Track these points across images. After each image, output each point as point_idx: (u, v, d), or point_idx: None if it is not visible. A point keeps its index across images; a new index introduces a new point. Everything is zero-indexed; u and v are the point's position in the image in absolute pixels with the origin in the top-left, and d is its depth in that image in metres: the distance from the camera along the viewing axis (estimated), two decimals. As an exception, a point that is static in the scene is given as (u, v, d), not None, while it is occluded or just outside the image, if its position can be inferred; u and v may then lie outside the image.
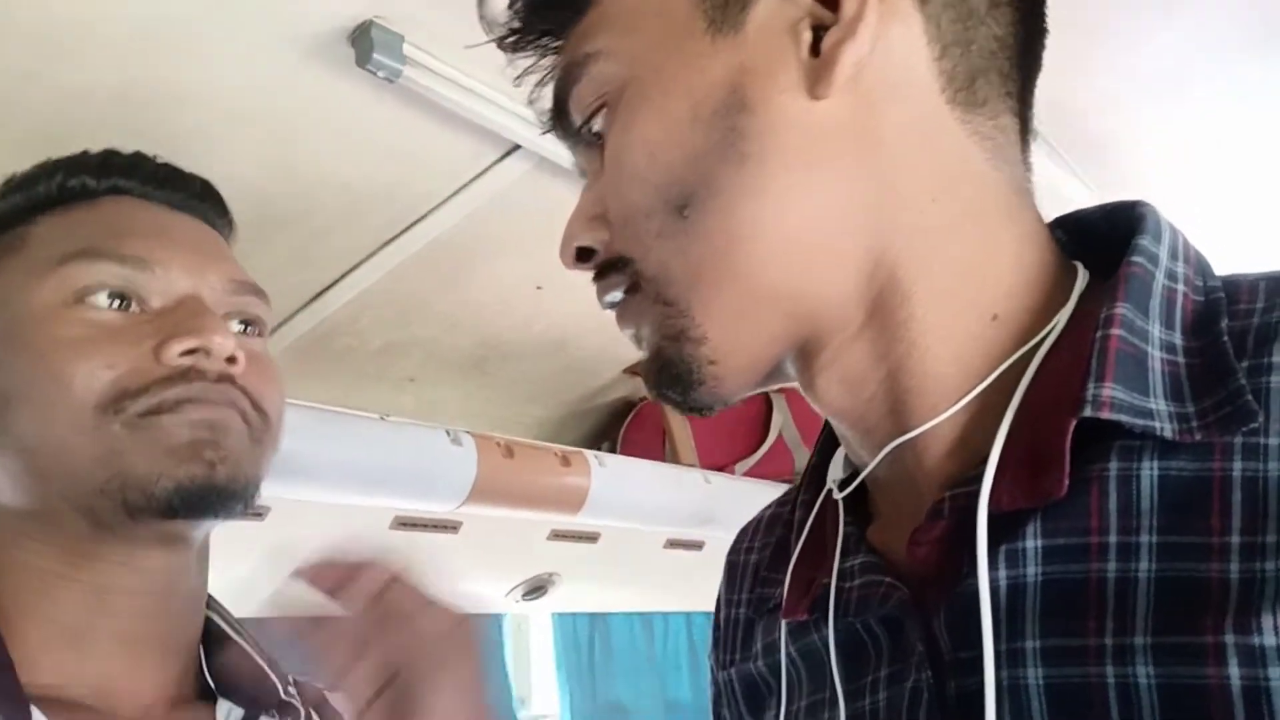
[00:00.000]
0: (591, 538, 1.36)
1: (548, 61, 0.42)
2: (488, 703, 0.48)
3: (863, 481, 0.41)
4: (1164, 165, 1.21)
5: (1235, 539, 0.30)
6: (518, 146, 1.01)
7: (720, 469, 1.56)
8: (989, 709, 0.32)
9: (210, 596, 0.57)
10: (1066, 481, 0.32)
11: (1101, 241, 0.39)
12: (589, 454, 1.24)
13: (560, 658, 1.69)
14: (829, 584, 0.40)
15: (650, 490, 1.33)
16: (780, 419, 1.62)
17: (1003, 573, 0.33)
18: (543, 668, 1.70)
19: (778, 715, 0.43)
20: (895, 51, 0.36)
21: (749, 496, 1.35)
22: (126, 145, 0.57)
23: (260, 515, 1.00)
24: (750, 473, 1.59)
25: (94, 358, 0.48)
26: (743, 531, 0.53)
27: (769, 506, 0.52)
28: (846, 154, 0.36)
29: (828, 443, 0.46)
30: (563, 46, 0.41)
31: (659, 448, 1.57)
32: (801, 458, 1.58)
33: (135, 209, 0.54)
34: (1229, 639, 0.29)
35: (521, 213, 1.08)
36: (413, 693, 0.46)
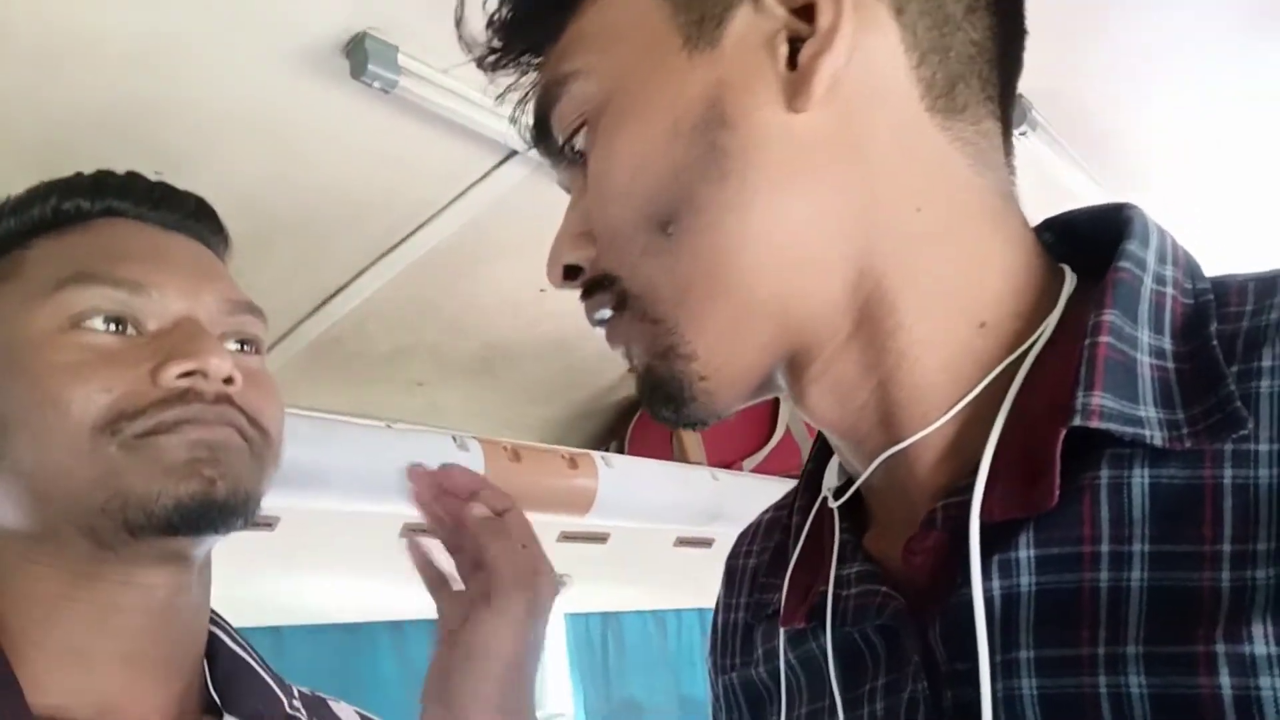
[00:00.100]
0: (601, 538, 1.36)
1: (529, 79, 0.42)
2: (530, 650, 0.58)
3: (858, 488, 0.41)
4: (1168, 157, 1.20)
5: (1226, 547, 0.30)
6: (515, 152, 1.01)
7: (728, 466, 1.56)
8: None
9: (213, 611, 0.58)
10: (1057, 491, 0.32)
11: (1090, 244, 0.39)
12: (596, 455, 1.24)
13: (573, 657, 1.69)
14: (826, 592, 0.40)
15: (658, 489, 1.33)
16: (787, 413, 1.62)
17: (996, 583, 0.33)
18: (556, 667, 1.70)
19: None
20: (873, 61, 0.36)
21: (757, 493, 1.35)
22: (126, 159, 0.57)
23: (270, 526, 1.01)
24: (758, 469, 1.59)
25: (91, 381, 0.48)
26: (742, 535, 0.53)
27: (767, 510, 0.52)
28: (828, 165, 0.36)
29: (824, 448, 0.46)
30: (542, 64, 0.41)
31: (666, 445, 1.57)
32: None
33: (130, 231, 0.55)
34: (1220, 648, 0.29)
35: (521, 217, 1.08)
36: (496, 610, 0.56)
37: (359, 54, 0.81)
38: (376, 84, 0.83)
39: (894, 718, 0.36)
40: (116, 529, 0.48)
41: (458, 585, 0.61)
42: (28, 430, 0.49)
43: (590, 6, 0.39)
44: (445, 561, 0.62)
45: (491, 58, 0.42)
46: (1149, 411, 0.33)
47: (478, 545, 0.58)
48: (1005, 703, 0.32)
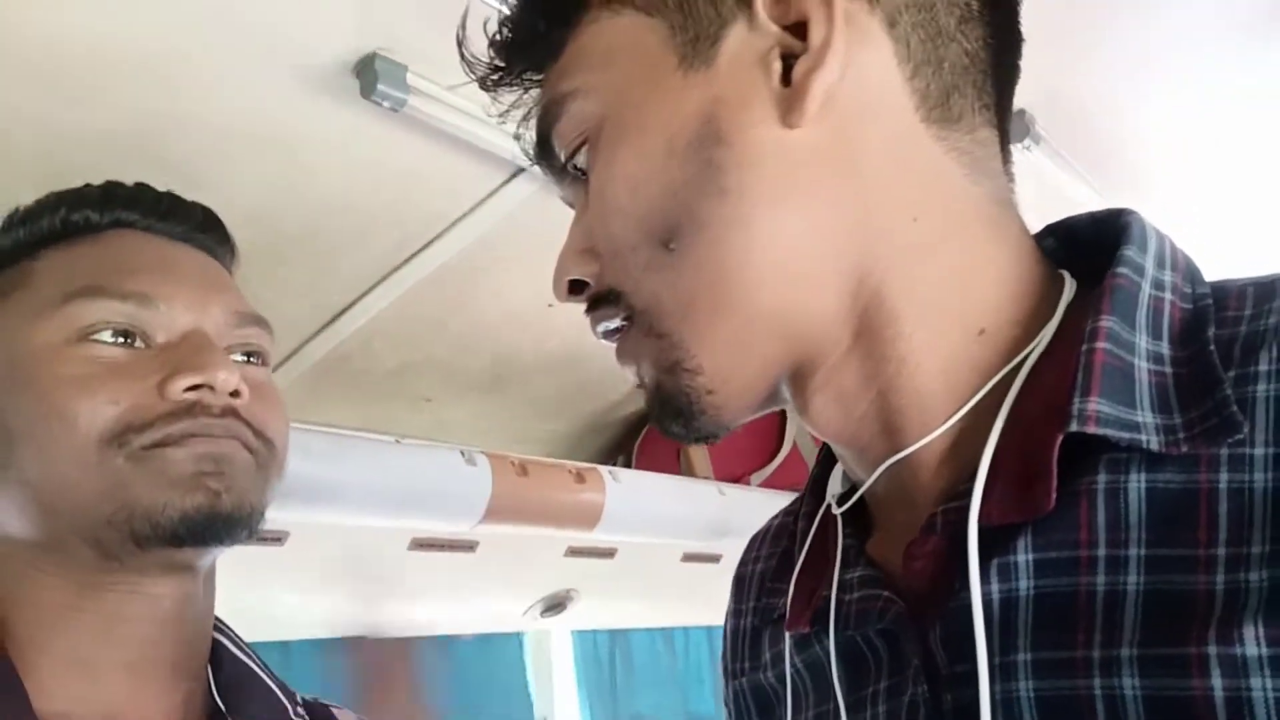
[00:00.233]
0: (608, 553, 1.36)
1: (531, 97, 0.43)
2: None
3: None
4: (1167, 166, 1.20)
5: (1221, 551, 0.30)
6: (522, 169, 1.02)
7: (735, 480, 1.56)
8: None
9: (217, 618, 0.58)
10: (1054, 496, 0.33)
11: (1091, 250, 0.39)
12: (603, 470, 1.24)
13: (581, 675, 1.69)
14: (829, 596, 0.40)
15: (665, 504, 1.33)
16: (794, 428, 1.62)
17: (995, 586, 0.34)
18: (563, 684, 1.70)
19: None
20: (867, 76, 0.37)
21: (764, 508, 1.34)
22: (136, 175, 0.58)
23: (280, 541, 1.01)
24: (766, 484, 1.59)
25: (98, 394, 0.49)
26: (751, 541, 0.53)
27: (776, 516, 0.53)
28: (825, 180, 0.37)
29: (829, 454, 0.46)
30: (543, 83, 0.42)
31: (673, 461, 1.57)
32: (817, 467, 1.58)
33: (138, 243, 0.55)
34: (1212, 650, 0.29)
35: (529, 233, 1.09)
36: None
37: (369, 74, 0.83)
38: (386, 103, 0.84)
39: None
40: (123, 540, 0.49)
41: None
42: (35, 442, 0.49)
43: (589, 27, 0.40)
44: None
45: (494, 76, 0.43)
46: (1146, 416, 0.33)
47: None
48: (1003, 705, 0.32)
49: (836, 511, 0.42)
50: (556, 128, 0.41)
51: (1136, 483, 0.33)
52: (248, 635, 0.61)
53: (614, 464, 1.55)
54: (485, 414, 1.44)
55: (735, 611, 0.51)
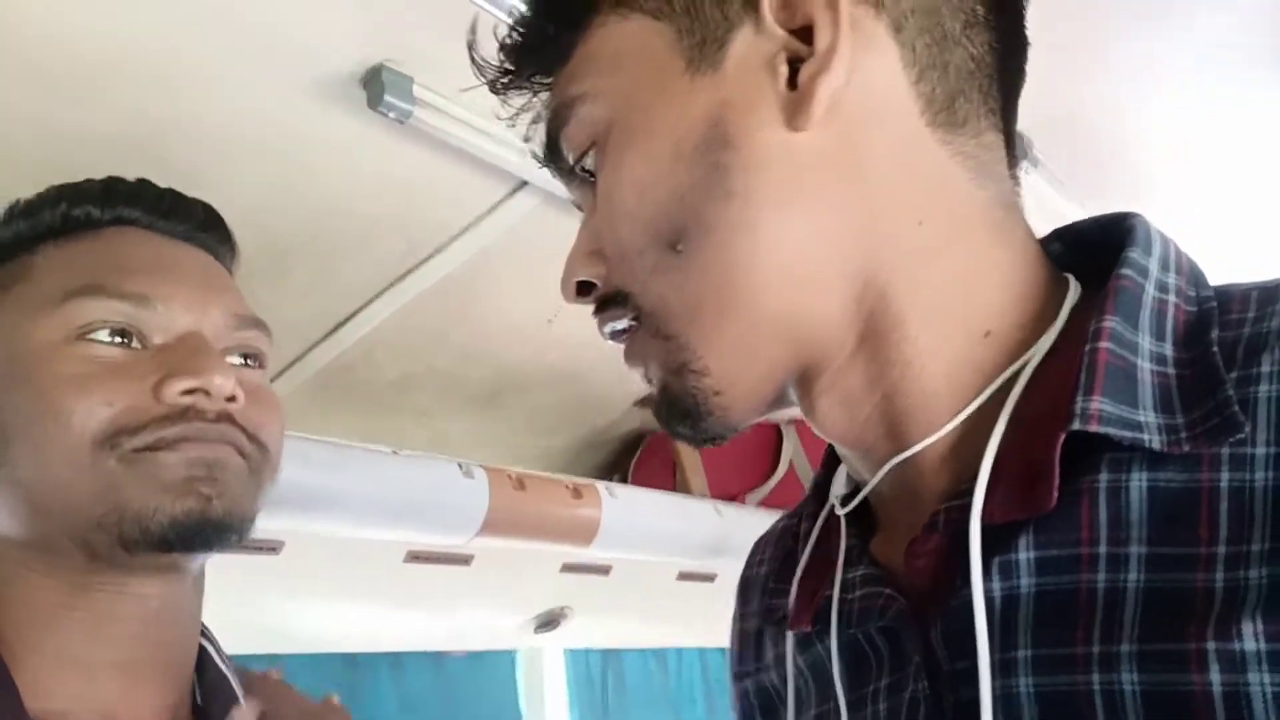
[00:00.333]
0: (603, 570, 1.36)
1: (540, 100, 0.44)
2: None
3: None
4: (1164, 181, 1.21)
5: (1222, 549, 0.31)
6: (526, 183, 1.03)
7: (731, 499, 1.56)
8: None
9: (202, 625, 0.58)
10: (1056, 494, 0.33)
11: (1096, 253, 0.40)
12: (600, 485, 1.24)
13: (573, 694, 1.68)
14: (832, 596, 0.40)
15: (662, 521, 1.33)
16: (790, 448, 1.62)
17: (996, 584, 0.34)
18: (555, 703, 1.69)
19: None
20: (872, 80, 0.37)
21: (761, 527, 1.34)
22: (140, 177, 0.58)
23: (275, 550, 1.01)
24: (762, 503, 1.59)
25: (94, 394, 0.49)
26: (756, 545, 0.53)
27: (780, 519, 0.53)
28: (830, 183, 0.37)
29: (833, 456, 0.47)
30: (552, 86, 0.43)
31: (669, 479, 1.57)
32: (813, 488, 1.58)
33: (139, 241, 0.55)
34: (1211, 645, 0.29)
35: (531, 247, 1.10)
36: None
37: (375, 85, 0.84)
38: (392, 114, 0.85)
39: (896, 717, 0.36)
40: (111, 543, 0.48)
41: None
42: (29, 441, 0.49)
43: (597, 31, 0.41)
44: None
45: (503, 80, 0.44)
46: (1148, 416, 0.34)
47: None
48: (1003, 701, 0.33)
49: (840, 512, 0.43)
50: (565, 131, 0.41)
51: (1138, 481, 0.33)
52: (239, 646, 0.60)
53: (610, 480, 1.55)
54: (484, 427, 1.44)
55: (740, 615, 0.51)
